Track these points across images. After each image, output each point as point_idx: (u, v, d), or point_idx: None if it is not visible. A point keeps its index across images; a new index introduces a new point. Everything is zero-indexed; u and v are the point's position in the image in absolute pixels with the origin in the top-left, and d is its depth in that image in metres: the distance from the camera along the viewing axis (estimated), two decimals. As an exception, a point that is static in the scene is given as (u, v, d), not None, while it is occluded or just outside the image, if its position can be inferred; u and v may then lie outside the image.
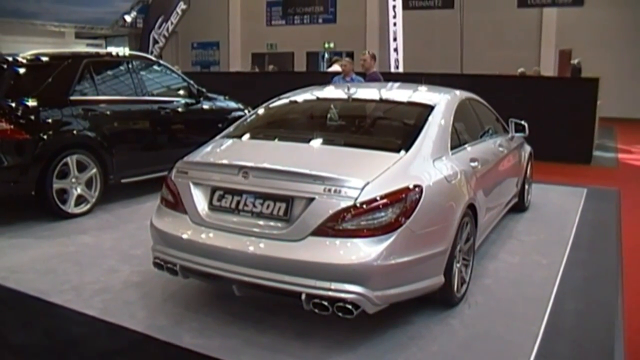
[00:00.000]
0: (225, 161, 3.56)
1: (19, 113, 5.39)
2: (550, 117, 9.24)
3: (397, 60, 12.80)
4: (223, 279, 3.32)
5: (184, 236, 3.45)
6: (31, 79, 5.68)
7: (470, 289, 4.05)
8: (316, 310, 3.10)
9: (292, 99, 4.66)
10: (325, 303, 3.05)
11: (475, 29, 17.71)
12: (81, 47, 19.59)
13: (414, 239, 3.21)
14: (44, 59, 5.91)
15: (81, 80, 6.03)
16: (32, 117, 5.47)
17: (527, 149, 6.23)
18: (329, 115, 4.30)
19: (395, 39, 12.84)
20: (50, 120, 5.59)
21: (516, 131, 5.53)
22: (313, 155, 3.70)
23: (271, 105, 4.60)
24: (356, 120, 4.43)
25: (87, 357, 3.20)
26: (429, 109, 4.03)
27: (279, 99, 4.68)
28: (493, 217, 4.81)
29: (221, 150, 3.90)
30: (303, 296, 3.07)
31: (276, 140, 3.96)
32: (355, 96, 4.45)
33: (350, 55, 21.18)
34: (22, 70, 5.66)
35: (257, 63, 23.21)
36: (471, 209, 3.91)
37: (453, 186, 3.64)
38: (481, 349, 3.30)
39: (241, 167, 3.35)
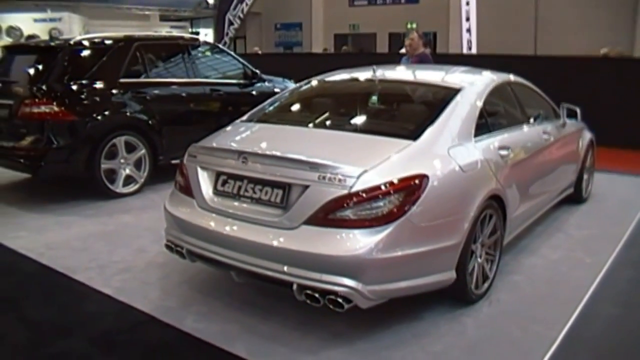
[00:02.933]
0: (228, 146, 3.52)
1: (69, 96, 5.64)
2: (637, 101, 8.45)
3: (469, 42, 12.17)
4: (223, 265, 3.31)
5: (190, 220, 3.46)
6: (83, 62, 5.93)
7: (497, 286, 3.80)
8: (308, 301, 3.01)
9: (320, 81, 4.55)
10: (317, 295, 2.95)
11: (557, 9, 16.52)
12: (164, 30, 20.32)
13: (416, 231, 3.03)
14: (96, 42, 6.13)
15: (132, 63, 6.21)
16: (82, 100, 5.71)
17: (587, 135, 5.73)
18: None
19: (467, 19, 12.18)
20: (99, 103, 5.81)
21: (568, 116, 5.09)
22: (318, 140, 3.58)
23: (296, 88, 4.51)
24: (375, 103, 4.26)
25: (90, 335, 3.29)
26: (454, 92, 3.79)
27: (308, 82, 4.58)
28: (534, 209, 4.47)
29: (231, 134, 3.87)
30: (294, 286, 3.00)
31: (287, 124, 3.87)
32: (382, 78, 4.26)
33: (434, 35, 20.58)
34: (74, 54, 5.91)
35: (340, 44, 23.06)
36: (497, 201, 3.64)
37: (470, 176, 3.39)
38: (487, 352, 3.07)
39: (241, 152, 3.29)
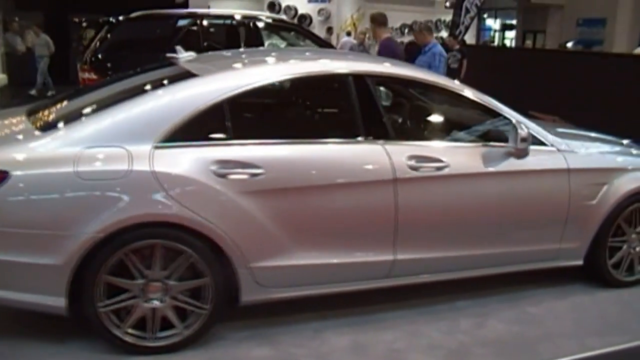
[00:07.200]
0: None
1: (106, 65, 6.12)
2: None
3: None
4: None
5: None
6: (133, 36, 6.36)
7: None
8: None
9: None
10: None
11: None
12: (446, 17, 19.66)
13: None
14: (151, 17, 6.48)
15: (185, 39, 6.28)
16: (117, 70, 6.10)
17: (622, 181, 3.46)
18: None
19: None
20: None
21: (493, 139, 3.21)
22: None
23: None
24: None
25: None
26: (180, 81, 2.90)
27: None
28: (380, 268, 2.97)
29: None
30: None
31: None
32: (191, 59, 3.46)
33: None
34: (125, 29, 6.39)
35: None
36: (189, 233, 2.61)
37: (95, 187, 2.51)
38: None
39: None
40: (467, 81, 9.97)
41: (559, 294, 3.50)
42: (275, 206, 2.71)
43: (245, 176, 2.67)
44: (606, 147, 3.75)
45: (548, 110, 6.76)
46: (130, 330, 2.65)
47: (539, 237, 3.35)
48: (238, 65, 3.16)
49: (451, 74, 10.33)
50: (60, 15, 13.86)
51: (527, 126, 3.19)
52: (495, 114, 3.28)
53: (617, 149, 3.79)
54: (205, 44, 6.49)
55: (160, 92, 2.83)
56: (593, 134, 4.02)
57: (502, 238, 3.25)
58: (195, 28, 6.44)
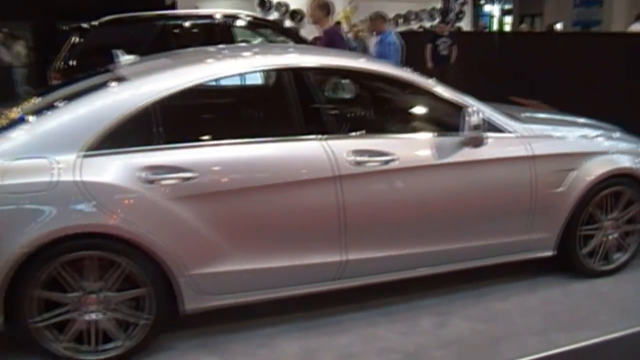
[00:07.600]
0: None
1: (75, 71, 6.00)
2: None
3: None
4: None
5: None
6: (103, 41, 6.21)
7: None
8: None
9: None
10: None
11: None
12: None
13: None
14: (120, 21, 6.37)
15: (156, 43, 6.20)
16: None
17: (591, 165, 3.31)
18: None
19: None
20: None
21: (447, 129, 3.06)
22: None
23: None
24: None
25: None
26: (109, 86, 2.76)
27: None
28: (319, 270, 2.84)
29: None
30: None
31: None
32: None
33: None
34: (94, 34, 6.29)
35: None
36: (120, 243, 2.50)
37: (21, 200, 2.41)
38: None
39: None
40: (457, 67, 9.78)
41: (530, 288, 3.36)
42: (211, 211, 2.60)
43: (176, 181, 2.55)
44: (579, 131, 3.58)
45: (538, 94, 6.59)
46: (69, 345, 2.56)
47: (504, 229, 3.21)
48: (170, 66, 3.00)
49: (441, 60, 10.20)
50: (48, 23, 13.75)
51: (482, 112, 3.04)
52: (448, 102, 3.13)
53: (594, 132, 3.62)
54: (179, 45, 6.35)
55: (86, 99, 2.69)
56: (570, 118, 3.87)
57: (462, 232, 3.11)
58: (169, 30, 6.33)
